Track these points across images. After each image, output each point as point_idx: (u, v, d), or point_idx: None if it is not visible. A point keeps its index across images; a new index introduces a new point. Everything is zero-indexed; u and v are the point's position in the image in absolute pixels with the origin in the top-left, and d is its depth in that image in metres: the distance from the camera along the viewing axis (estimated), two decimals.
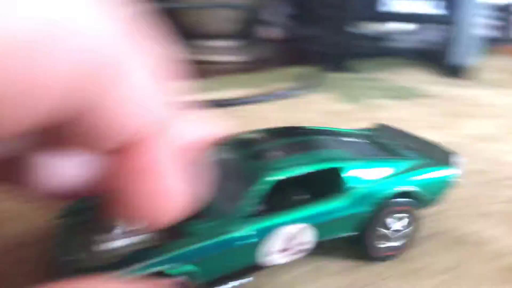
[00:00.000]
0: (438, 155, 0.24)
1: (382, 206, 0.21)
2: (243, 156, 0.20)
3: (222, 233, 0.18)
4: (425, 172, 0.22)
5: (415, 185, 0.22)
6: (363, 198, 0.20)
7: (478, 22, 0.55)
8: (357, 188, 0.20)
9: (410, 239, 0.22)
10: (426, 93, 0.48)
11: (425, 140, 0.25)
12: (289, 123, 0.24)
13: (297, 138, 0.22)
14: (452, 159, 0.23)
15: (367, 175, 0.21)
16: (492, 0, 0.76)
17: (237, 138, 0.22)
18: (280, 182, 0.19)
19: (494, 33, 0.83)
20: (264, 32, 0.74)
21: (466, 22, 0.53)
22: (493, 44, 0.74)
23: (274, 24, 0.76)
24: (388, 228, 0.21)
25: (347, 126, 0.27)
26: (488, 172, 0.32)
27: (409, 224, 0.22)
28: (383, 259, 0.22)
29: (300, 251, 0.20)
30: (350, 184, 0.20)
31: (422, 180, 0.22)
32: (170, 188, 0.11)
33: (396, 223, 0.22)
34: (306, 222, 0.19)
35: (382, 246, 0.22)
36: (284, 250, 0.19)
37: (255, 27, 0.70)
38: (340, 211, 0.20)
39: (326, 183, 0.21)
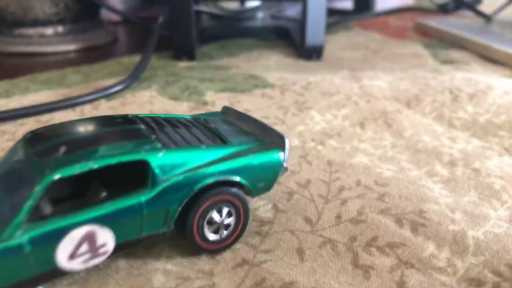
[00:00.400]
0: (271, 139, 0.22)
1: (197, 197, 0.19)
2: (32, 153, 0.18)
3: None
4: (248, 158, 0.20)
5: (235, 173, 0.20)
6: (172, 190, 0.19)
7: None
8: (165, 180, 0.18)
9: (235, 230, 0.21)
10: (270, 83, 0.42)
11: (263, 124, 0.23)
12: None
13: (108, 129, 0.19)
14: (281, 142, 0.22)
15: (179, 166, 0.19)
16: None
17: (36, 133, 0.19)
18: (80, 180, 0.19)
19: (353, 6, 0.81)
20: (101, 14, 0.63)
21: None
22: (353, 18, 0.71)
23: (111, 5, 0.66)
24: (208, 221, 0.20)
25: None
26: (321, 185, 0.26)
27: (231, 214, 0.20)
28: (210, 252, 0.20)
29: (100, 254, 0.18)
30: (156, 176, 0.18)
31: (243, 166, 0.20)
32: None
33: (217, 214, 0.20)
34: (98, 223, 0.17)
35: (205, 239, 0.20)
36: (76, 256, 0.17)
37: (89, 9, 0.59)
38: (142, 207, 0.18)
39: (133, 177, 0.19)
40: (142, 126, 0.20)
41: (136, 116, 0.21)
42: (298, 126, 0.33)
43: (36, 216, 0.17)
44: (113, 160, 0.17)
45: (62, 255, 0.17)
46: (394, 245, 0.21)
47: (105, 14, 0.69)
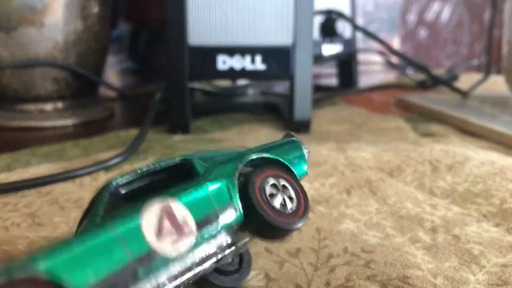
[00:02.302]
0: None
1: (249, 179, 0.20)
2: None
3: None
4: (276, 144, 0.24)
5: (269, 153, 0.22)
6: (220, 168, 0.20)
7: (317, 75, 0.55)
8: (212, 165, 0.21)
9: (299, 201, 0.21)
10: None
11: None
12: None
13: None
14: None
15: (217, 157, 0.21)
16: (334, 50, 0.79)
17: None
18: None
19: (338, 83, 0.86)
20: (98, 90, 0.66)
21: (304, 76, 0.52)
22: (338, 94, 0.75)
23: (109, 82, 0.69)
24: (270, 194, 0.20)
25: None
26: (310, 253, 0.27)
27: (283, 186, 0.21)
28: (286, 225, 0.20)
29: (186, 233, 0.18)
30: (201, 165, 0.21)
31: (274, 149, 0.23)
32: None
33: (273, 188, 0.21)
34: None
35: (274, 209, 0.20)
36: (163, 233, 0.17)
37: (88, 86, 0.63)
38: (205, 185, 0.19)
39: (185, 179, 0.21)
40: None
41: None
42: None
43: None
44: (161, 165, 0.20)
45: (149, 232, 0.17)
46: None
47: (102, 90, 0.73)
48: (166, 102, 0.53)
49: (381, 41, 0.71)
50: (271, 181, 0.21)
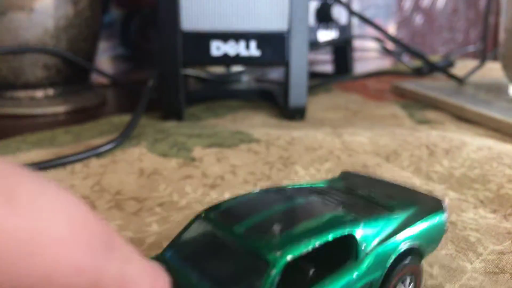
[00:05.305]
0: (423, 201, 0.22)
1: (391, 269, 0.19)
2: (233, 232, 0.17)
3: None
4: (422, 223, 0.20)
5: (418, 240, 0.20)
6: (376, 262, 0.18)
7: (313, 61, 0.54)
8: (369, 252, 0.18)
9: None
10: (255, 138, 0.43)
11: (400, 185, 0.24)
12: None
13: (287, 203, 0.19)
14: (441, 203, 0.22)
15: (375, 236, 0.19)
16: (329, 36, 0.78)
17: (215, 210, 0.19)
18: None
19: (334, 70, 0.86)
20: (90, 77, 0.65)
21: (299, 62, 0.51)
22: (334, 81, 0.75)
23: (101, 68, 0.68)
24: None
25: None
26: None
27: (411, 282, 0.20)
28: None
29: None
30: (362, 248, 0.18)
31: (421, 232, 0.20)
32: None
33: (402, 285, 0.20)
34: None
35: None
36: None
37: (80, 73, 0.62)
38: (354, 283, 0.18)
39: (336, 250, 0.18)
40: (312, 197, 0.20)
41: (293, 188, 0.22)
42: (283, 181, 0.34)
43: None
44: (329, 236, 0.17)
45: None
46: None
47: (94, 77, 0.72)
48: (159, 88, 0.52)
49: (377, 27, 0.70)
50: (407, 279, 0.20)
